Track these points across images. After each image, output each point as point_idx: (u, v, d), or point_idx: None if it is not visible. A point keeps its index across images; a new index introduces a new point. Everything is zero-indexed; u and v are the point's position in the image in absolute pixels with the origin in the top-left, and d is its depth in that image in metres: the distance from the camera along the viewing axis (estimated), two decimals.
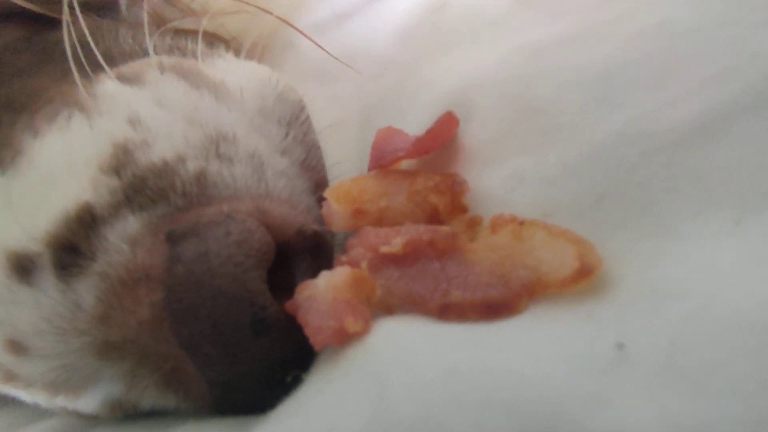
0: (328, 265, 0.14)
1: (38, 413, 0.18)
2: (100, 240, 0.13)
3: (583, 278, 0.10)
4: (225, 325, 0.12)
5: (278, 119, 0.17)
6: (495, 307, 0.11)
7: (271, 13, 0.25)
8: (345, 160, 0.21)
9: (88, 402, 0.15)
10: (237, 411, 0.14)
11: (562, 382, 0.08)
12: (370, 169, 0.16)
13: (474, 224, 0.14)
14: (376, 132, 0.17)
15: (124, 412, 0.15)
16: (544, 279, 0.11)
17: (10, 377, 0.15)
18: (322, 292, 0.12)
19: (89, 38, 0.16)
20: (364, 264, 0.13)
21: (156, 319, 0.13)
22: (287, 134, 0.17)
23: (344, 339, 0.12)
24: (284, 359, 0.13)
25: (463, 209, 0.15)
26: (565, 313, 0.10)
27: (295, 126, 0.18)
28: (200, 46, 0.18)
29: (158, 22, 0.20)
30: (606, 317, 0.09)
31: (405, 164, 0.17)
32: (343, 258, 0.14)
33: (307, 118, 0.19)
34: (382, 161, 0.16)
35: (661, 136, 0.12)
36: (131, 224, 0.13)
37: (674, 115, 0.12)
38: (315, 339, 0.12)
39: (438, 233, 0.13)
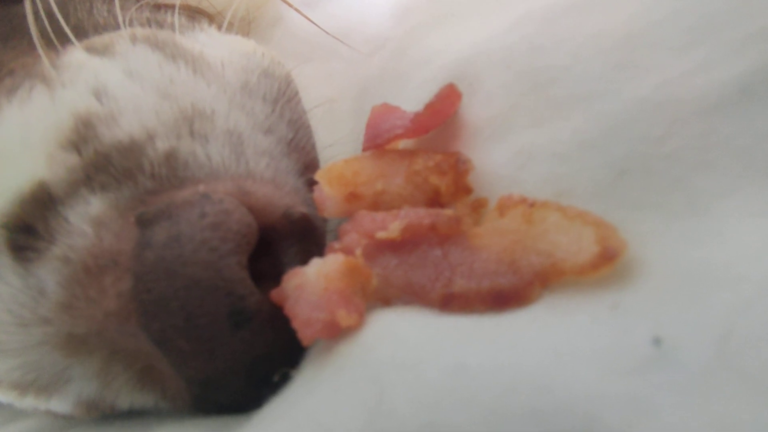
0: (319, 251, 0.13)
1: (14, 413, 0.17)
2: (59, 221, 0.12)
3: (606, 264, 0.09)
4: (200, 318, 0.11)
5: (263, 95, 0.16)
6: (504, 296, 0.10)
7: None
8: (338, 141, 0.20)
9: (61, 402, 0.13)
10: (220, 410, 0.13)
11: (592, 383, 0.07)
12: (365, 149, 0.15)
13: (479, 207, 0.13)
14: (371, 109, 0.15)
15: (101, 412, 0.14)
16: (560, 265, 0.09)
17: None
18: (312, 282, 0.11)
19: (54, 7, 0.14)
20: (358, 251, 0.12)
21: (123, 310, 0.12)
22: (272, 111, 0.16)
23: (336, 333, 0.11)
24: (268, 354, 0.12)
25: (468, 190, 0.13)
26: (586, 303, 0.09)
27: (282, 103, 0.16)
28: (177, 17, 0.16)
29: None
30: (636, 308, 0.08)
31: (403, 144, 0.15)
32: (336, 245, 0.12)
33: (296, 94, 0.17)
34: (377, 140, 0.14)
35: (694, 102, 0.10)
36: (95, 205, 0.12)
37: (710, 79, 0.10)
38: (303, 333, 0.11)
39: (440, 217, 0.12)
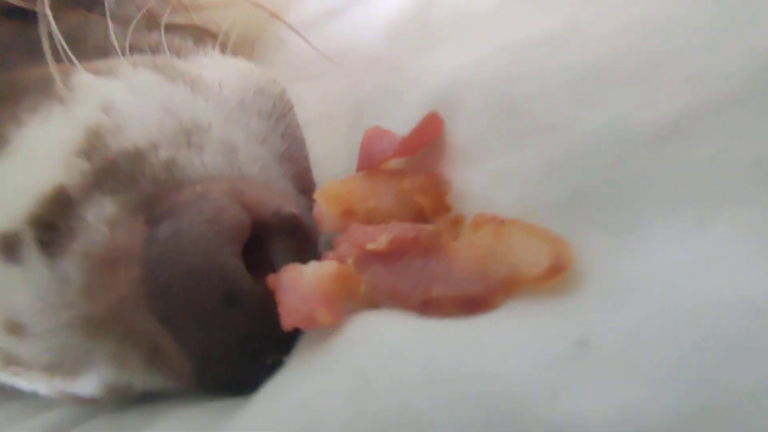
0: (308, 249, 0.14)
1: (38, 407, 0.19)
2: (79, 220, 0.14)
3: (555, 276, 0.11)
4: (197, 298, 0.13)
5: (258, 111, 0.18)
6: (473, 302, 0.12)
7: (262, 8, 0.25)
8: (334, 155, 0.22)
9: (85, 384, 0.15)
10: (219, 387, 0.15)
11: (525, 376, 0.09)
12: (358, 169, 0.16)
13: (457, 223, 0.14)
14: (364, 132, 0.17)
15: (120, 394, 0.16)
16: (520, 276, 0.11)
17: (10, 361, 0.16)
18: (306, 278, 0.13)
19: (54, 32, 0.16)
20: (350, 260, 0.13)
21: (134, 294, 0.13)
22: (266, 125, 0.18)
23: (312, 326, 0.12)
24: (259, 334, 0.14)
25: (447, 208, 0.15)
26: (537, 309, 0.10)
27: (275, 118, 0.18)
28: (166, 43, 0.18)
29: (149, 17, 0.21)
30: (571, 313, 0.10)
31: (394, 162, 0.17)
32: (330, 254, 0.14)
33: (290, 110, 0.19)
34: (370, 162, 0.16)
35: (637, 135, 0.12)
36: (107, 207, 0.14)
37: (650, 115, 0.12)
38: (285, 320, 0.13)
39: (422, 232, 0.14)
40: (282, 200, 0.16)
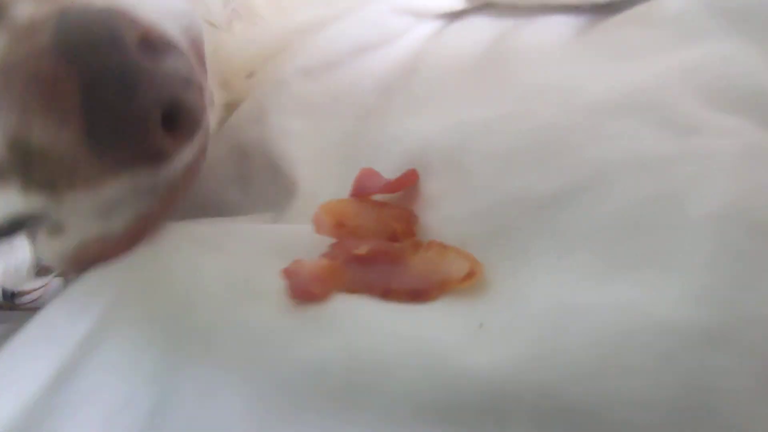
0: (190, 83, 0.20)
1: None
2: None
3: (470, 280, 0.17)
4: (96, 37, 0.17)
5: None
6: (418, 294, 0.18)
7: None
8: (326, 180, 0.28)
9: None
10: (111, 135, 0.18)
11: (443, 341, 0.15)
12: (351, 195, 0.23)
13: (417, 245, 0.20)
14: (360, 170, 0.23)
15: (20, 152, 0.18)
16: (450, 279, 0.18)
17: None
18: (308, 268, 0.19)
19: None
20: (340, 259, 0.20)
21: (45, 46, 0.17)
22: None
23: (311, 300, 0.18)
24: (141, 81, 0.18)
25: (413, 234, 0.21)
26: (458, 303, 0.17)
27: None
28: None
29: None
30: (478, 306, 0.16)
31: (378, 195, 0.23)
32: (328, 254, 0.20)
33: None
34: (361, 192, 0.23)
35: (533, 198, 0.19)
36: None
37: (543, 186, 0.19)
38: (294, 294, 0.18)
39: (391, 247, 0.20)
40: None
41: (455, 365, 0.15)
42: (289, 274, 0.19)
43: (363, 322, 0.17)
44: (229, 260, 0.22)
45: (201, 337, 0.19)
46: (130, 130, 0.18)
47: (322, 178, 0.29)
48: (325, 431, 0.15)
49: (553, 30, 0.28)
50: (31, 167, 0.19)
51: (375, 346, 0.16)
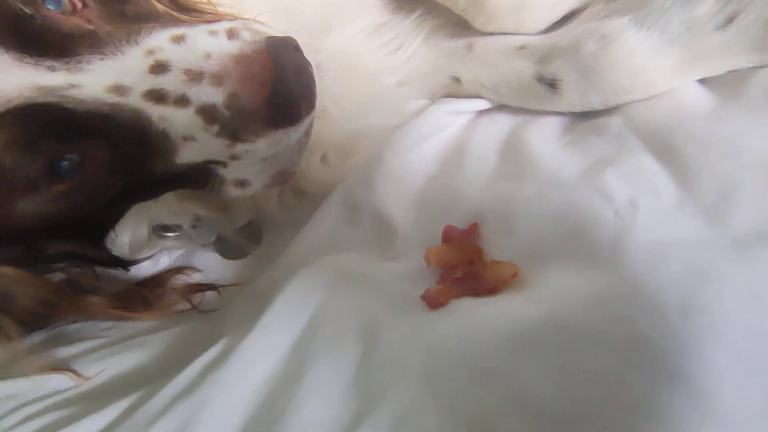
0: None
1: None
2: None
3: (514, 278, 0.35)
4: (293, 59, 0.34)
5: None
6: (492, 290, 0.36)
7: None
8: (416, 227, 0.46)
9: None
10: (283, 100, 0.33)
11: (508, 310, 0.33)
12: (442, 242, 0.41)
13: (485, 264, 0.38)
14: (444, 226, 0.41)
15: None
16: (505, 279, 0.35)
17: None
18: (434, 288, 0.37)
19: None
20: (448, 282, 0.38)
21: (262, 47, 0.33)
22: None
23: (437, 305, 0.36)
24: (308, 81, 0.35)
25: (482, 260, 0.39)
26: (512, 291, 0.35)
27: None
28: None
29: None
30: (522, 291, 0.35)
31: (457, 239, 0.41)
32: (440, 281, 0.38)
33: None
34: (447, 240, 0.41)
35: (549, 238, 0.37)
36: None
37: (553, 231, 0.37)
38: (429, 300, 0.36)
39: (472, 269, 0.38)
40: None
41: (521, 318, 0.33)
42: (425, 296, 0.37)
43: (470, 309, 0.35)
44: (382, 282, 0.40)
45: (381, 328, 0.37)
46: (297, 95, 0.34)
47: (412, 225, 0.47)
48: None
49: (548, 126, 0.46)
50: (225, 120, 0.33)
51: (478, 321, 0.34)
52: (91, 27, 0.34)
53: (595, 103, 0.44)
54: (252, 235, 0.58)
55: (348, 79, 0.52)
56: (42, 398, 0.42)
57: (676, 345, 0.26)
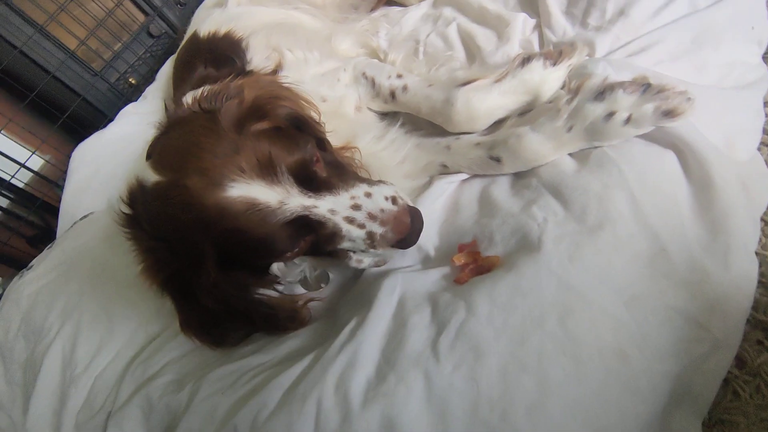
0: None
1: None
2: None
3: (498, 264, 0.73)
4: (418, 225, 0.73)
5: None
6: (488, 269, 0.74)
7: None
8: (436, 242, 0.85)
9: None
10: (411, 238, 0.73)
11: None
12: (458, 252, 0.79)
13: (483, 258, 0.77)
14: (458, 244, 0.80)
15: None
16: (495, 264, 0.74)
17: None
18: (460, 274, 0.75)
19: None
20: (468, 270, 0.75)
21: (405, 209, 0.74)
22: None
23: (463, 282, 0.74)
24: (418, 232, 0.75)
25: (479, 255, 0.78)
26: (503, 269, 0.73)
27: None
28: None
29: None
30: (510, 269, 0.73)
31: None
32: (462, 270, 0.76)
33: None
34: (461, 251, 0.79)
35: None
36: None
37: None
38: (458, 277, 0.74)
39: (478, 261, 0.76)
40: None
41: (500, 276, 0.70)
42: (456, 280, 0.75)
43: (483, 281, 0.72)
44: (430, 278, 0.78)
45: (440, 298, 0.74)
46: (412, 242, 0.75)
47: (438, 247, 0.86)
48: None
49: (502, 184, 0.86)
50: (376, 238, 0.71)
51: (489, 286, 0.71)
52: (326, 176, 0.71)
53: (520, 167, 0.86)
54: (324, 278, 0.95)
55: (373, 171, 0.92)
56: (255, 367, 0.76)
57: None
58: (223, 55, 1.07)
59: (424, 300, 0.73)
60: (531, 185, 0.81)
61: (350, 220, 0.70)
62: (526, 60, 0.86)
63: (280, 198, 0.65)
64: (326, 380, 0.66)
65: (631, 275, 0.66)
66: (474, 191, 0.88)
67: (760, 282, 0.73)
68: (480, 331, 0.64)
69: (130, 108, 1.60)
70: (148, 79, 1.75)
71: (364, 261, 0.75)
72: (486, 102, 0.87)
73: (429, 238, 0.85)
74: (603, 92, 0.75)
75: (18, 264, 1.46)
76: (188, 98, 0.76)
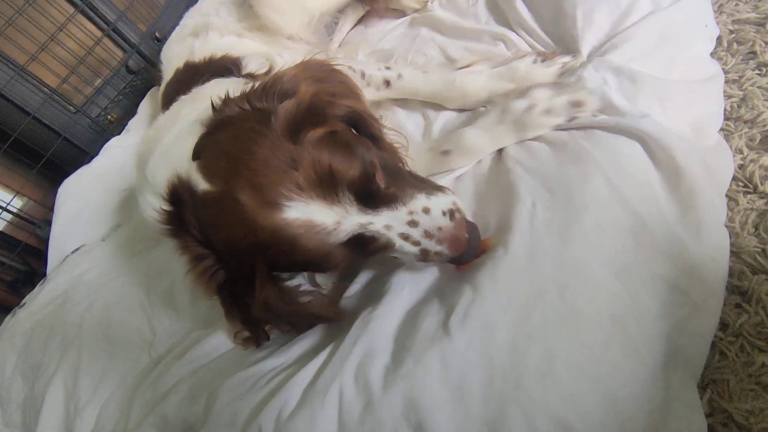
0: None
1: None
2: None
3: (492, 245, 0.78)
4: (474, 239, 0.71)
5: None
6: (488, 249, 0.79)
7: None
8: None
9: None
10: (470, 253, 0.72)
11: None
12: None
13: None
14: None
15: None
16: (493, 246, 0.79)
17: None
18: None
19: None
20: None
21: (462, 224, 0.71)
22: None
23: (463, 270, 0.79)
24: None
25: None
26: (499, 249, 0.78)
27: None
28: None
29: None
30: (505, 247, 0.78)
31: None
32: None
33: None
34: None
35: None
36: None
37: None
38: (459, 271, 0.79)
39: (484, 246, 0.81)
40: None
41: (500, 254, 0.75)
42: (458, 268, 0.79)
43: (484, 264, 0.76)
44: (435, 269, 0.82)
45: (445, 285, 0.78)
46: (467, 261, 0.73)
47: None
48: None
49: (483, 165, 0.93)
50: (430, 257, 0.69)
51: (490, 267, 0.76)
52: (384, 189, 0.65)
53: (467, 160, 0.94)
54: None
55: None
56: (270, 371, 0.77)
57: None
58: (221, 67, 1.10)
59: (432, 291, 0.77)
60: (516, 172, 0.87)
61: (405, 237, 0.66)
62: (521, 55, 1.01)
63: (338, 218, 0.62)
64: (345, 372, 0.68)
65: (618, 249, 0.72)
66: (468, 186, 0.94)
67: (732, 251, 0.79)
68: (487, 308, 0.68)
69: (113, 142, 1.61)
70: (130, 113, 1.77)
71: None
72: (477, 82, 1.01)
73: None
74: (527, 90, 0.89)
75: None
76: (234, 91, 0.70)
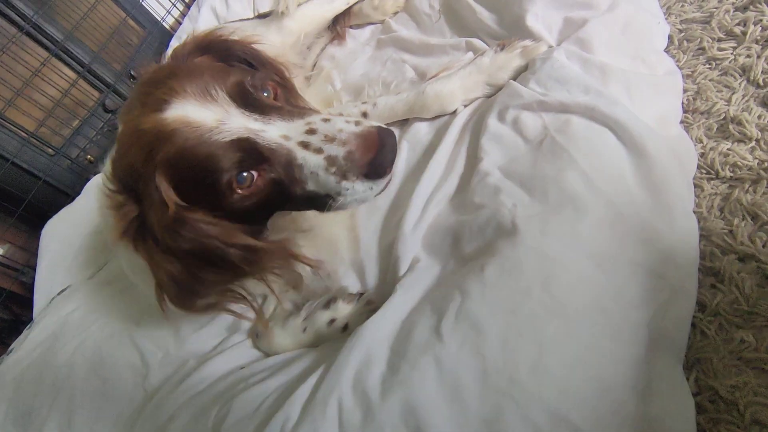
0: None
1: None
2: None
3: None
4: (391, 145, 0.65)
5: None
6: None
7: None
8: None
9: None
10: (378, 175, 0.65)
11: None
12: None
13: None
14: None
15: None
16: None
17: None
18: None
19: None
20: None
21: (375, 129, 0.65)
22: None
23: None
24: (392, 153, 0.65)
25: None
26: None
27: None
28: None
29: None
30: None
31: None
32: None
33: None
34: None
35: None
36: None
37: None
38: None
39: None
40: None
41: None
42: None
43: (472, 269, 0.79)
44: None
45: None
46: (387, 163, 0.65)
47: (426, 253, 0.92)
48: None
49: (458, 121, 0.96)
50: (340, 166, 0.62)
51: (477, 271, 0.78)
52: (280, 104, 0.68)
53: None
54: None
55: None
56: (275, 390, 0.77)
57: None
58: None
59: (423, 299, 0.79)
60: (495, 177, 0.90)
61: (305, 145, 0.64)
62: (482, 53, 1.07)
63: (218, 117, 0.63)
64: (342, 382, 0.69)
65: (596, 239, 0.75)
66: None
67: (701, 235, 0.83)
68: (476, 310, 0.70)
69: (95, 179, 1.61)
70: (109, 152, 1.77)
71: (344, 202, 0.67)
72: (449, 85, 1.05)
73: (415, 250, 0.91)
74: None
75: None
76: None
